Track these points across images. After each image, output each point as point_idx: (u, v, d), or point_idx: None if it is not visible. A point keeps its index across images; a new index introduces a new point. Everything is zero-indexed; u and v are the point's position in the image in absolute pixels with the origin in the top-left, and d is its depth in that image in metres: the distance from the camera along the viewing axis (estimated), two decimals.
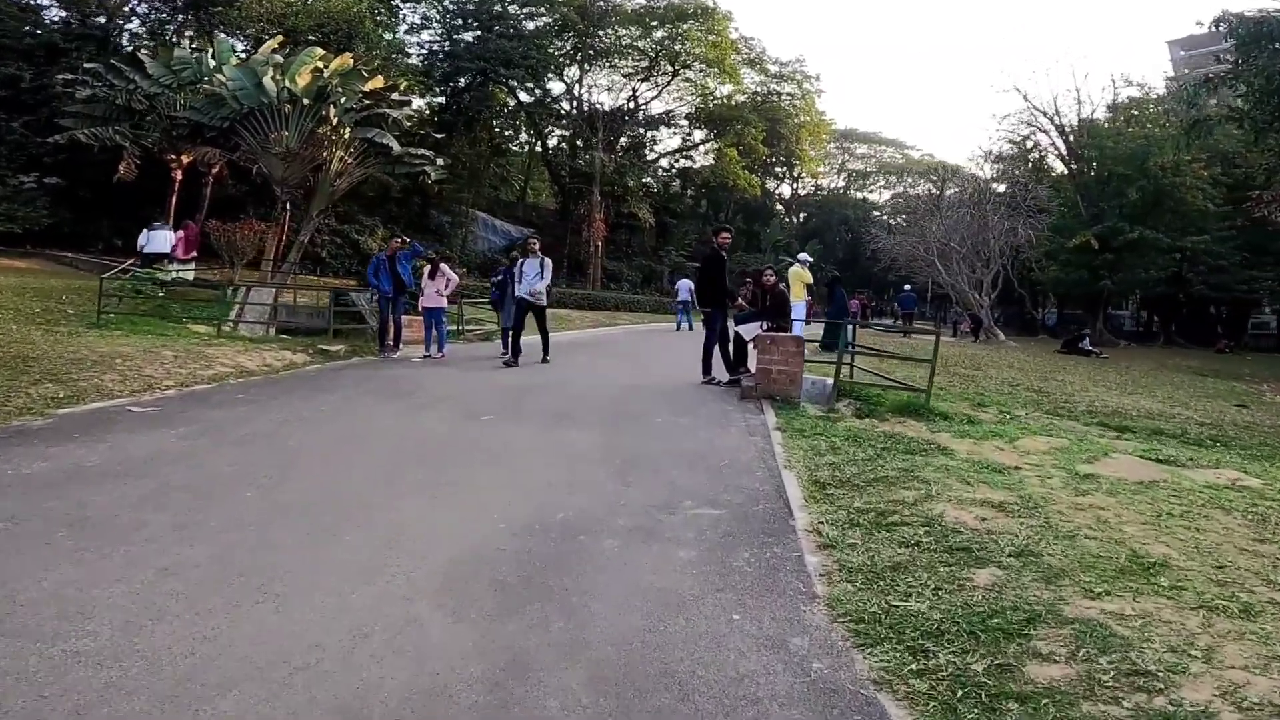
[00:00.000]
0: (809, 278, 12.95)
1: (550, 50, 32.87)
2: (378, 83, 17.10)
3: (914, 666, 2.53)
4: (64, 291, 12.02)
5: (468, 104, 30.95)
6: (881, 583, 3.19)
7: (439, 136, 25.86)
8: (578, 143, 35.46)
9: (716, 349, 8.82)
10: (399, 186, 23.07)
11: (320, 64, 16.36)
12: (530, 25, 32.54)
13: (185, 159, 17.88)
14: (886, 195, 58.57)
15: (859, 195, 59.38)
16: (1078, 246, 28.10)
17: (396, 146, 16.11)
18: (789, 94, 41.57)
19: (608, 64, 36.08)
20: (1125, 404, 9.72)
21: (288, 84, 15.72)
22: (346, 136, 15.83)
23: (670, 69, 35.67)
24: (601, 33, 34.35)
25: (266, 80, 15.55)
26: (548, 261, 10.26)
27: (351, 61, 17.23)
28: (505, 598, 2.99)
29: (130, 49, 19.90)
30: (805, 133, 43.05)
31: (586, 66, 35.58)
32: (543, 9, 32.69)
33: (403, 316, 10.98)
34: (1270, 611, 2.93)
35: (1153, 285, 28.42)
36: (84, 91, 16.62)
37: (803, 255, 13.94)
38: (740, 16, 66.51)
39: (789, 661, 2.58)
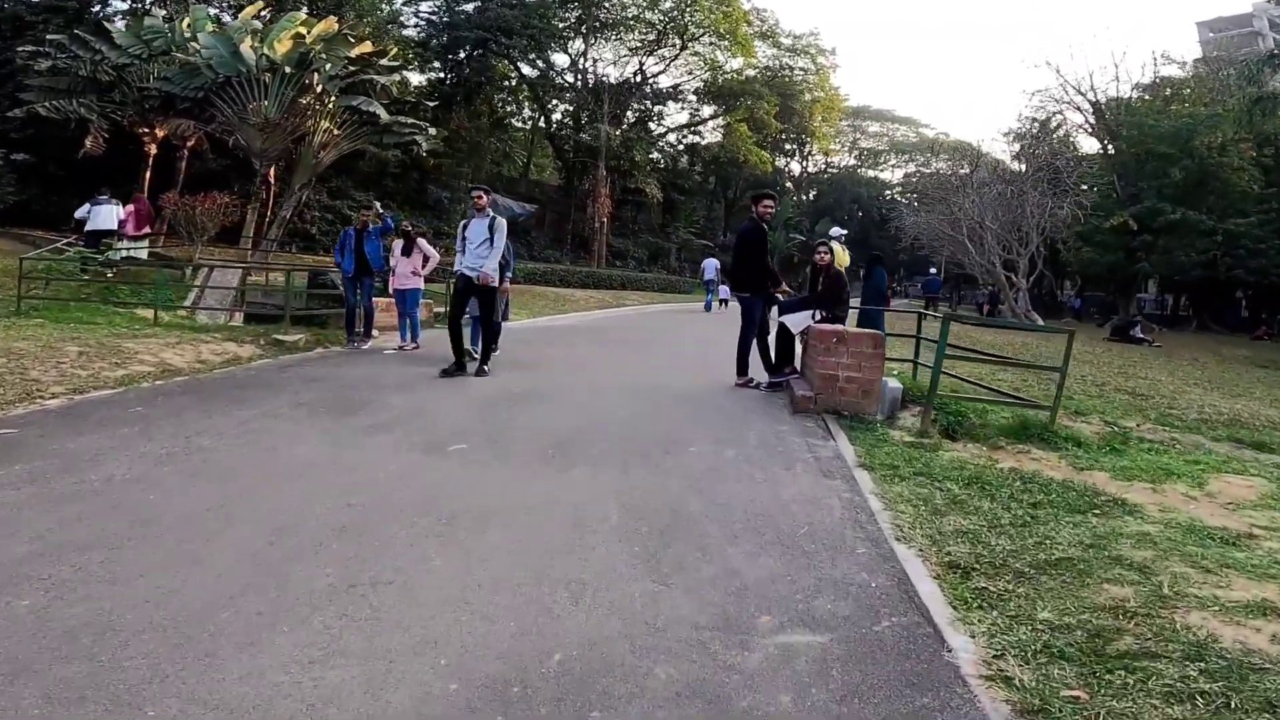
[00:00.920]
0: (847, 259, 11.42)
1: (553, 21, 31.45)
2: (365, 48, 15.77)
3: None
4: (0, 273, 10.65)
5: (467, 75, 29.52)
6: None
7: (433, 105, 24.42)
8: (582, 117, 33.92)
9: (756, 344, 7.37)
10: (395, 161, 21.71)
11: (303, 29, 15.08)
12: None
13: (160, 132, 16.64)
14: (899, 174, 56.97)
15: (870, 174, 57.75)
16: (1114, 228, 26.64)
17: (384, 114, 14.81)
18: (802, 68, 40.27)
19: (614, 36, 34.64)
20: (1237, 409, 8.23)
21: (266, 51, 14.44)
22: (331, 106, 14.49)
23: (679, 42, 34.16)
24: (608, 4, 32.97)
25: (244, 47, 14.30)
26: (500, 223, 7.13)
27: (337, 26, 15.88)
28: None
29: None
30: (819, 108, 41.73)
31: (591, 39, 34.12)
32: None
33: (374, 300, 9.35)
34: None
35: (1190, 269, 26.95)
36: (44, 64, 15.41)
37: (835, 230, 11.70)
38: None
39: None
